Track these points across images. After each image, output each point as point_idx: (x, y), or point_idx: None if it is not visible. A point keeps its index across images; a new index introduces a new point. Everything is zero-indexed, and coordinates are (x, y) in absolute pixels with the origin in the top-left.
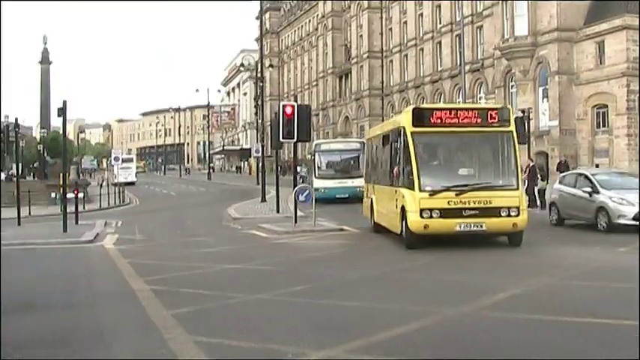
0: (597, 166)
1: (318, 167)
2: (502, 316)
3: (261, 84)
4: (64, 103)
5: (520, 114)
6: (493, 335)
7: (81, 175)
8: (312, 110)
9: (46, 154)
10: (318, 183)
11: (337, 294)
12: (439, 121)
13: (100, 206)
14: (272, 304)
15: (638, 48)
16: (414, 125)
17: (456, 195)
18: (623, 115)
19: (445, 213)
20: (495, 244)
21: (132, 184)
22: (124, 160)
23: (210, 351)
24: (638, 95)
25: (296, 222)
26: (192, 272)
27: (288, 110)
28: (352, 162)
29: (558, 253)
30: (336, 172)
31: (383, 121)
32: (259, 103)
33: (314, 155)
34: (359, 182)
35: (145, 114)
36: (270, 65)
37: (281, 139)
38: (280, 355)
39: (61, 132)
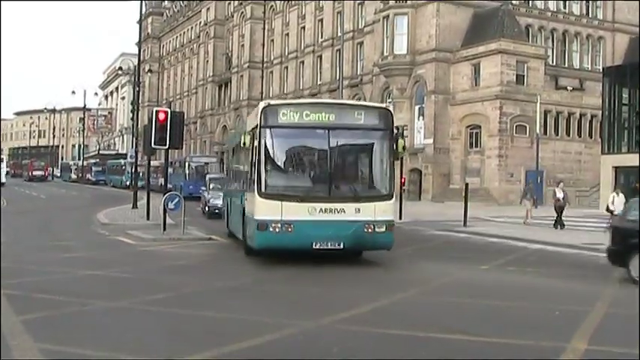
0: (467, 185)
1: (272, 168)
2: (358, 330)
3: (138, 89)
4: None
5: (395, 131)
6: (346, 349)
7: None
8: (191, 118)
9: None
10: (265, 209)
11: (195, 304)
12: None
13: None
14: (127, 313)
15: (511, 72)
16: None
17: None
18: (495, 136)
19: None
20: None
21: (1, 184)
22: None
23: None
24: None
25: (164, 230)
26: (50, 277)
27: (161, 116)
28: (358, 163)
29: (421, 269)
30: (315, 183)
31: None
32: (136, 107)
33: (260, 139)
34: (369, 210)
35: (18, 113)
36: (150, 70)
37: (153, 145)
38: None
39: None
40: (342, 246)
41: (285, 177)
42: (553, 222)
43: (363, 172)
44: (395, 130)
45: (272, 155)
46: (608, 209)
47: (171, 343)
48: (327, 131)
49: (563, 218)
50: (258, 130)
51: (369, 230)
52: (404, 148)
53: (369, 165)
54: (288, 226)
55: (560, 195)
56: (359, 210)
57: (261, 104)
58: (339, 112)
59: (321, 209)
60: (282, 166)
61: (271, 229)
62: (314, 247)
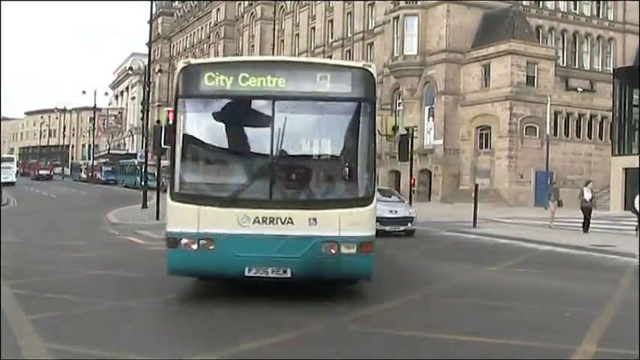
0: (477, 185)
1: (189, 157)
2: (367, 331)
3: (148, 89)
4: None
5: (405, 132)
6: (355, 350)
7: None
8: None
9: None
10: (177, 217)
11: (204, 304)
12: None
13: None
14: (137, 313)
15: (522, 73)
16: None
17: None
18: (505, 137)
19: None
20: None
21: (11, 184)
22: (4, 160)
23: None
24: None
25: None
26: (59, 277)
27: (171, 116)
28: (318, 149)
29: (430, 270)
30: (251, 180)
31: None
32: (146, 107)
33: (176, 115)
34: (331, 222)
35: (29, 113)
36: (160, 70)
37: (163, 144)
38: None
39: None
40: (288, 274)
41: (207, 170)
42: (582, 225)
43: (325, 163)
44: (377, 101)
45: (190, 138)
46: (634, 210)
47: (181, 343)
48: (272, 102)
49: (591, 221)
50: (174, 101)
51: (332, 251)
52: (394, 128)
53: (336, 153)
54: (208, 242)
55: (587, 196)
56: (314, 221)
57: (180, 64)
58: (293, 74)
59: (257, 219)
60: (204, 155)
61: (184, 246)
62: (247, 274)
